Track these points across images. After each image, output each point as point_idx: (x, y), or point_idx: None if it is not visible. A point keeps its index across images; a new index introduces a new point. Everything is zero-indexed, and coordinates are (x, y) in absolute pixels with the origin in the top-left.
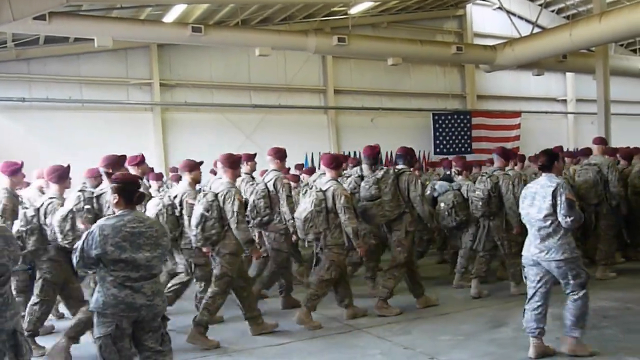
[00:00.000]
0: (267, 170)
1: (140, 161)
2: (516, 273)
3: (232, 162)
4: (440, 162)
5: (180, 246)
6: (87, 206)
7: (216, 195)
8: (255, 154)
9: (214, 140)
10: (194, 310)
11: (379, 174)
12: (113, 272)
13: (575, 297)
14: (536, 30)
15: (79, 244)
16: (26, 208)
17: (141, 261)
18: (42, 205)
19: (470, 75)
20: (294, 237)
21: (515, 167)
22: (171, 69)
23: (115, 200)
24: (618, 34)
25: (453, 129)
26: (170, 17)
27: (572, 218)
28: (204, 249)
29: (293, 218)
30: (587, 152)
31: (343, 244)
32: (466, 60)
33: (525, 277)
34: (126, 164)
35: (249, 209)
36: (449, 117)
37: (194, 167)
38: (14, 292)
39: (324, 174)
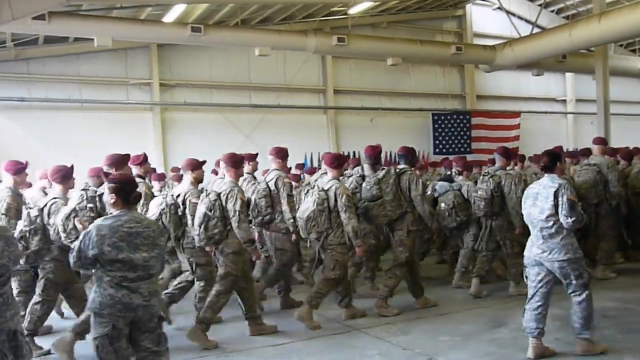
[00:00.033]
0: (268, 170)
1: (142, 161)
2: (517, 273)
3: (235, 162)
4: (441, 162)
5: (182, 245)
6: (90, 205)
7: (219, 194)
8: (257, 154)
9: (214, 140)
10: (194, 310)
11: (380, 174)
12: (110, 272)
13: (579, 299)
14: (536, 30)
15: (76, 244)
16: (30, 208)
17: (138, 261)
18: (45, 205)
19: (469, 76)
20: (293, 237)
21: (516, 167)
22: (171, 69)
23: (113, 200)
24: (617, 34)
25: (452, 129)
26: (170, 17)
27: (573, 219)
28: (207, 248)
29: (293, 217)
30: (586, 152)
31: (346, 243)
32: (466, 61)
33: (526, 277)
34: (129, 163)
35: (250, 208)
36: (449, 117)
37: (196, 166)
38: (15, 292)
39: (326, 173)
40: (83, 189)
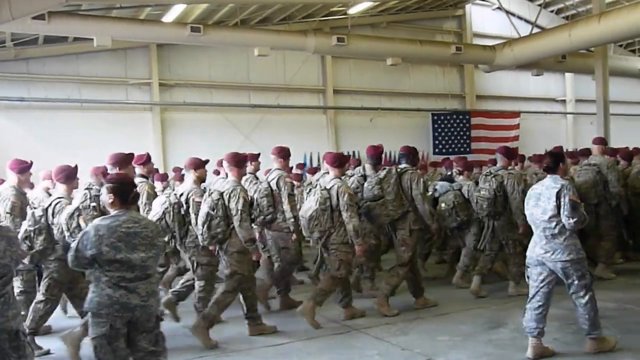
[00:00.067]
0: (271, 169)
1: (146, 160)
2: (517, 273)
3: (238, 161)
4: (442, 163)
5: (184, 244)
6: (94, 204)
7: (221, 193)
8: (259, 154)
9: (213, 140)
10: (193, 310)
11: (382, 173)
12: (108, 272)
13: (583, 301)
14: (535, 30)
15: (73, 244)
16: (34, 208)
17: (136, 261)
18: (50, 205)
19: (469, 76)
20: (294, 236)
21: (516, 167)
22: (170, 69)
23: (111, 200)
24: (617, 34)
25: (452, 129)
26: (170, 17)
27: (575, 219)
28: (210, 247)
29: (294, 217)
30: (586, 152)
31: (349, 242)
32: (465, 61)
33: (528, 277)
34: (132, 163)
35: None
36: (448, 117)
37: (199, 165)
38: (17, 292)
39: (328, 173)
40: (86, 188)
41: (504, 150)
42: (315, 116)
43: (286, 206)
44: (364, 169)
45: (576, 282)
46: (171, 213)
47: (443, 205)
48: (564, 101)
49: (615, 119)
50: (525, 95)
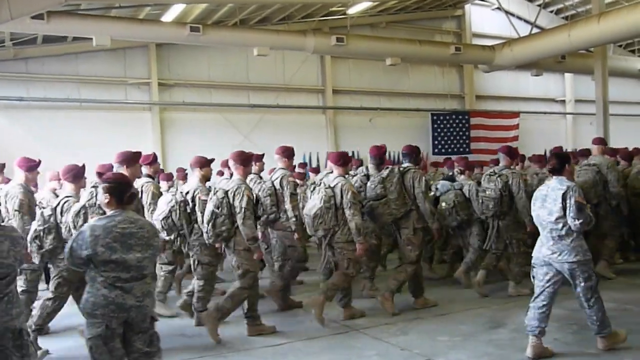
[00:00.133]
0: (275, 169)
1: (152, 160)
2: (519, 273)
3: (244, 160)
4: (443, 163)
5: (188, 242)
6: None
7: (226, 192)
8: (263, 155)
9: (212, 140)
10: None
11: (384, 173)
12: (104, 272)
13: (590, 303)
14: (535, 30)
15: (68, 243)
16: (43, 208)
17: (132, 262)
18: (58, 204)
19: (468, 76)
20: (296, 236)
21: (516, 167)
22: (169, 69)
23: (107, 200)
24: (617, 34)
25: (451, 129)
26: (169, 16)
27: (580, 221)
28: (216, 245)
29: (296, 216)
30: (586, 152)
31: (353, 241)
32: (465, 61)
33: (533, 277)
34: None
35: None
36: (448, 117)
37: (205, 163)
38: (19, 290)
39: (331, 172)
40: (93, 186)
41: (507, 149)
42: (314, 116)
43: (288, 205)
44: (367, 169)
45: (583, 284)
46: (177, 211)
47: (444, 204)
48: (563, 101)
49: (614, 119)
50: (524, 96)
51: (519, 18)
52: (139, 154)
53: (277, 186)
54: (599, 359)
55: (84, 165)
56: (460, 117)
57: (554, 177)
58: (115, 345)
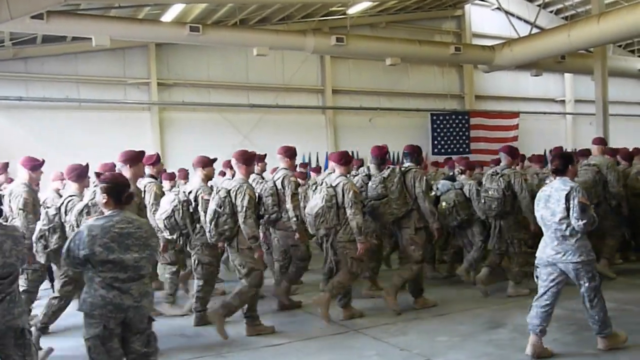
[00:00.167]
0: (277, 169)
1: (155, 161)
2: (518, 273)
3: (247, 159)
4: (444, 163)
5: (190, 241)
6: None
7: (229, 191)
8: (265, 155)
9: (212, 140)
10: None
11: (386, 172)
12: (101, 272)
13: (593, 303)
14: (535, 30)
15: (66, 243)
16: (48, 207)
17: (129, 262)
18: (62, 203)
19: (468, 76)
20: (297, 235)
21: (517, 167)
22: (169, 69)
23: (105, 201)
24: (616, 34)
25: (451, 129)
26: (168, 16)
27: (584, 221)
28: (219, 244)
29: (296, 216)
30: (586, 152)
31: (354, 240)
32: (464, 61)
33: (537, 277)
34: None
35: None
36: (447, 117)
37: (207, 163)
38: (20, 289)
39: (333, 172)
40: (96, 185)
41: (508, 149)
42: (314, 116)
43: (289, 205)
44: (368, 168)
45: (587, 284)
46: (180, 210)
47: (444, 204)
48: (563, 101)
49: (614, 119)
50: (524, 96)
51: (519, 18)
52: (142, 153)
53: (279, 186)
54: (597, 359)
55: (87, 165)
56: (460, 117)
57: (557, 177)
58: (113, 345)
